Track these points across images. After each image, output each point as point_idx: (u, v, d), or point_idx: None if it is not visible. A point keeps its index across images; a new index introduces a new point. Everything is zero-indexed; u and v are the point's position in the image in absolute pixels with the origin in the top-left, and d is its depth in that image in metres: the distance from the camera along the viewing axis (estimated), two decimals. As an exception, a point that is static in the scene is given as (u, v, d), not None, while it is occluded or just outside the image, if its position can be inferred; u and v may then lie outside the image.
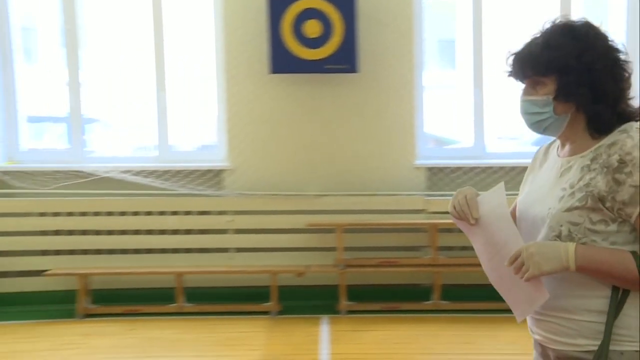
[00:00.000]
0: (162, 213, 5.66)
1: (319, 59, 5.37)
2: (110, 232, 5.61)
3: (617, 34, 2.78)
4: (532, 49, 1.78)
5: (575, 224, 1.71)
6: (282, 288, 5.38)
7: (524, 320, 1.85)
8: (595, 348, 1.70)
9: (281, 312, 5.34)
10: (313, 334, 4.87)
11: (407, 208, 5.53)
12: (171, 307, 5.39)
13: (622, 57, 1.78)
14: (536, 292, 1.74)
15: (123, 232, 5.61)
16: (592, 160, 1.73)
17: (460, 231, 1.96)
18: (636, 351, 1.69)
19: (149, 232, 5.65)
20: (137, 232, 5.63)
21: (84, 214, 5.58)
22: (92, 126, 6.12)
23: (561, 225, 1.73)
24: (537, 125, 1.81)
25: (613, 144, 1.71)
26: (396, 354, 4.50)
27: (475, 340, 4.67)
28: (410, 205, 5.54)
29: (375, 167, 5.55)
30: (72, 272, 5.41)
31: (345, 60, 5.36)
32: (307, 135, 5.65)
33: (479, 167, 5.55)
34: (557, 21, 1.80)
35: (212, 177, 5.68)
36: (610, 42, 1.79)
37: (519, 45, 1.82)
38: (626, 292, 1.70)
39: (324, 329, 4.99)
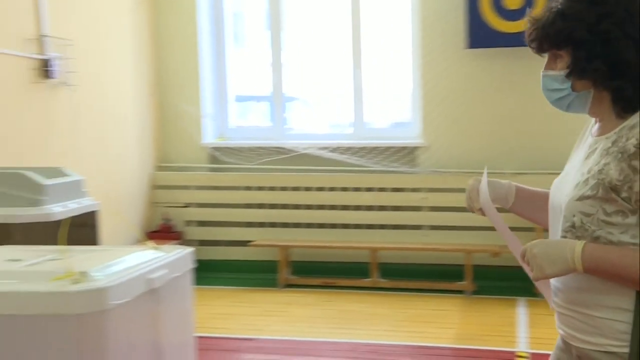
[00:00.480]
0: (357, 189, 5.79)
1: (519, 32, 5.14)
2: (308, 207, 5.85)
3: None
4: (547, 19, 1.56)
5: (588, 215, 1.50)
6: (476, 267, 5.29)
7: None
8: (618, 350, 1.49)
9: (475, 292, 5.26)
10: (509, 316, 4.74)
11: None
12: (366, 282, 5.51)
13: None
14: (546, 289, 1.61)
15: (320, 207, 5.82)
16: (614, 143, 1.50)
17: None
18: None
19: (345, 207, 5.81)
20: (333, 207, 5.82)
21: (284, 188, 5.86)
22: (292, 104, 6.39)
23: (574, 216, 1.53)
24: (558, 102, 1.60)
25: (635, 125, 1.48)
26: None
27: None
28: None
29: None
30: (274, 243, 5.72)
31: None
32: (503, 112, 5.47)
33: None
34: None
35: (406, 154, 5.70)
36: (638, 5, 1.51)
37: (538, 16, 1.59)
38: None
39: (521, 312, 4.83)
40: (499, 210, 1.72)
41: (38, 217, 2.87)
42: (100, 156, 5.28)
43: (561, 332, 1.64)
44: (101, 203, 3.34)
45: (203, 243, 5.87)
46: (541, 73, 1.61)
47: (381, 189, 5.75)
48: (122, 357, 1.65)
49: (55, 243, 2.77)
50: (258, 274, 5.77)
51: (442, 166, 5.62)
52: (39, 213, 2.88)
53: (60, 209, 2.94)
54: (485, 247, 5.27)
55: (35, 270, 1.68)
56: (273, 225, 5.92)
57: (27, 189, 2.91)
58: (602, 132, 1.57)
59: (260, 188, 5.92)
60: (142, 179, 5.94)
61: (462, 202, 1.81)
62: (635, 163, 1.44)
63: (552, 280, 1.61)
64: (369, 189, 5.76)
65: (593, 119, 1.63)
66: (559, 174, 1.69)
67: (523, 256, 1.55)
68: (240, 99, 6.44)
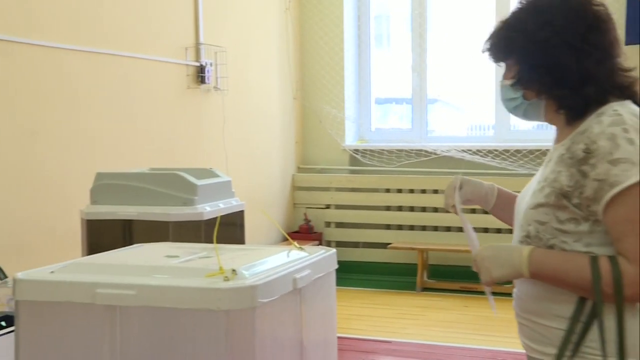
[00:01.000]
0: (499, 193, 5.63)
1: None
2: (446, 210, 5.75)
3: None
4: (496, 29, 1.55)
5: (542, 223, 1.46)
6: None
7: None
8: None
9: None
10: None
11: None
12: (506, 288, 5.33)
13: (604, 26, 1.45)
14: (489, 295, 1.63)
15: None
16: (567, 149, 1.45)
17: None
18: None
19: (486, 211, 5.66)
20: (473, 210, 5.67)
21: (423, 191, 5.82)
22: (433, 106, 6.34)
23: (529, 225, 1.49)
24: (515, 111, 1.58)
25: (584, 131, 1.42)
26: None
27: None
28: None
29: None
30: (412, 246, 5.70)
31: None
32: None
33: None
34: None
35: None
36: (583, 12, 1.45)
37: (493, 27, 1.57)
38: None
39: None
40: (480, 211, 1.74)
41: (191, 216, 3.02)
42: (246, 158, 5.50)
43: (522, 343, 1.59)
44: (246, 203, 3.48)
45: (341, 244, 5.95)
46: (499, 83, 1.60)
47: (524, 193, 5.57)
48: (268, 354, 1.71)
49: (202, 241, 2.93)
50: (395, 277, 5.76)
51: None
52: (192, 212, 3.04)
53: (210, 209, 3.09)
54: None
55: (190, 267, 1.78)
56: (411, 227, 5.90)
57: (181, 189, 3.09)
58: (558, 139, 1.53)
59: (399, 190, 5.91)
60: (285, 180, 6.12)
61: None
62: (585, 168, 1.39)
63: (515, 289, 1.58)
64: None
65: None
66: None
67: (475, 260, 1.55)
68: (380, 101, 6.47)
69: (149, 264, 1.81)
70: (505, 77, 1.58)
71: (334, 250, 2.07)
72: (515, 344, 4.19)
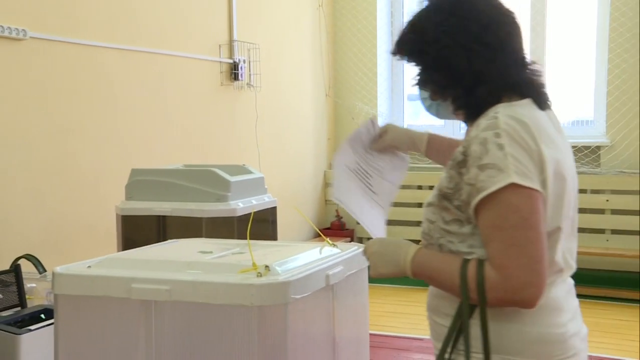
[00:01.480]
0: (533, 190, 5.58)
1: None
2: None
3: None
4: (402, 32, 1.54)
5: (432, 222, 1.48)
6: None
7: None
8: (455, 356, 1.44)
9: (663, 304, 4.89)
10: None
11: None
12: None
13: (497, 25, 1.44)
14: None
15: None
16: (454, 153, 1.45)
17: None
18: None
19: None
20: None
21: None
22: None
23: (424, 222, 1.51)
24: (429, 110, 1.60)
25: (468, 133, 1.44)
26: None
27: None
28: None
29: None
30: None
31: None
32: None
33: None
34: None
35: (588, 153, 5.41)
36: (475, 12, 1.44)
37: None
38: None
39: None
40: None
41: (224, 212, 3.05)
42: (279, 154, 5.52)
43: None
44: (278, 199, 3.50)
45: (374, 240, 5.93)
46: None
47: (559, 191, 5.50)
48: (300, 349, 1.73)
49: (234, 237, 2.95)
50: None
51: (628, 167, 5.27)
52: (225, 208, 3.06)
53: (243, 205, 3.11)
54: (676, 256, 4.88)
55: (224, 263, 1.80)
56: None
57: (215, 185, 3.12)
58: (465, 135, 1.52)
59: (431, 187, 5.86)
60: (317, 176, 6.13)
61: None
62: (463, 171, 1.39)
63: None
64: (546, 190, 5.54)
65: None
66: None
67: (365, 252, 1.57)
68: (413, 97, 6.44)
69: (183, 260, 1.84)
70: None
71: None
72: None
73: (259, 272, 1.66)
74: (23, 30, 3.39)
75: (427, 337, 1.61)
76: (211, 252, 1.92)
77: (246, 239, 1.86)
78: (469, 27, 1.43)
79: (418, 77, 1.53)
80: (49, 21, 3.57)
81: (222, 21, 4.88)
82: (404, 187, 5.57)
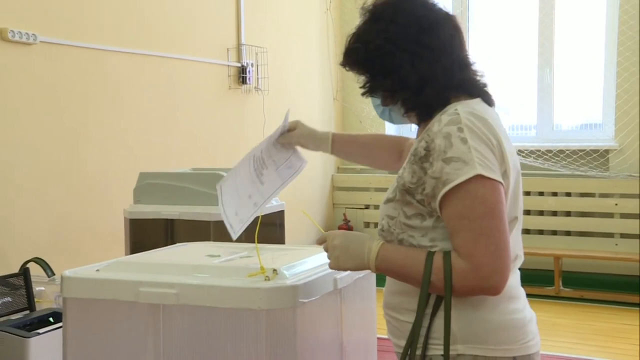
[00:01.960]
0: (541, 193, 5.57)
1: None
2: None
3: None
4: (347, 43, 1.57)
5: (392, 218, 1.50)
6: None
7: None
8: (419, 352, 1.47)
9: (673, 308, 4.86)
10: None
11: None
12: (548, 290, 5.29)
13: (437, 26, 1.49)
14: None
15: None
16: (415, 147, 1.49)
17: None
18: (441, 355, 1.44)
19: (527, 212, 5.61)
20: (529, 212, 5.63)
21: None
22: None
23: (382, 219, 1.53)
24: (383, 116, 1.64)
25: (428, 129, 1.47)
26: None
27: None
28: None
29: None
30: (452, 246, 5.64)
31: None
32: None
33: None
34: (380, 0, 1.54)
35: (596, 157, 5.39)
36: (414, 16, 1.49)
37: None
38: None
39: None
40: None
41: (232, 216, 3.05)
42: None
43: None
44: (286, 203, 3.50)
45: (381, 244, 5.93)
46: None
47: (567, 194, 5.49)
48: (308, 353, 1.72)
49: (242, 240, 2.95)
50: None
51: (637, 171, 5.25)
52: (233, 212, 3.06)
53: (251, 208, 3.11)
54: (685, 260, 4.85)
55: (232, 266, 1.80)
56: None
57: (222, 189, 3.12)
58: (418, 135, 1.58)
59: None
60: (325, 180, 6.13)
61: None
62: (425, 165, 1.43)
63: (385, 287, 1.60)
64: (554, 193, 5.52)
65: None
66: None
67: (322, 241, 1.57)
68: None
69: (191, 263, 1.84)
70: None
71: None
72: (557, 348, 4.16)
73: (267, 276, 1.66)
74: (33, 34, 3.41)
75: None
76: (219, 256, 1.93)
77: (254, 242, 1.86)
78: (410, 32, 1.48)
79: (367, 85, 1.56)
80: (58, 26, 3.59)
81: (230, 25, 4.90)
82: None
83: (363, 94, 1.59)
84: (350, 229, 6.03)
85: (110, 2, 3.91)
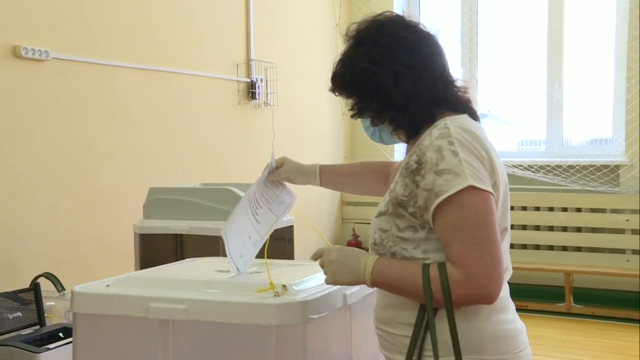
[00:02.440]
0: (550, 209, 5.55)
1: None
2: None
3: None
4: (334, 68, 1.62)
5: (384, 231, 1.53)
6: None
7: None
8: None
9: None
10: None
11: None
12: (559, 307, 5.25)
13: (418, 45, 1.54)
14: None
15: (510, 227, 5.63)
16: (406, 161, 1.53)
17: None
18: None
19: (537, 227, 5.59)
20: (524, 227, 5.61)
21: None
22: (483, 121, 6.26)
23: (375, 232, 1.56)
24: (374, 138, 1.68)
25: (419, 143, 1.51)
26: None
27: None
28: None
29: None
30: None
31: None
32: None
33: None
34: (363, 25, 1.59)
35: (606, 172, 5.37)
36: (394, 37, 1.53)
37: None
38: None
39: None
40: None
41: (241, 231, 3.05)
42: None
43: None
44: (295, 218, 3.49)
45: (390, 259, 5.91)
46: None
47: (578, 209, 5.46)
48: (318, 369, 1.72)
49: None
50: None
51: (648, 186, 5.23)
52: (242, 227, 3.06)
53: (260, 224, 3.11)
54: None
55: (241, 282, 1.80)
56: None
57: (232, 204, 3.11)
58: (407, 151, 1.62)
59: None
60: (334, 195, 6.13)
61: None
62: (417, 178, 1.46)
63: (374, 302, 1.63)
64: (564, 209, 5.50)
65: None
66: None
67: (317, 257, 1.60)
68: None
69: (200, 279, 1.84)
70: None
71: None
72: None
73: (276, 292, 1.65)
74: (46, 51, 3.44)
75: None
76: (228, 271, 1.92)
77: (263, 258, 1.87)
78: (393, 53, 1.53)
79: (356, 107, 1.60)
80: (70, 42, 3.62)
81: (239, 40, 4.93)
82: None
83: (352, 116, 1.64)
84: (359, 244, 6.02)
85: (121, 19, 3.95)
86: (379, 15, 1.60)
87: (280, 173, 1.95)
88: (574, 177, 5.44)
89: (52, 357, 2.53)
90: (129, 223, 3.48)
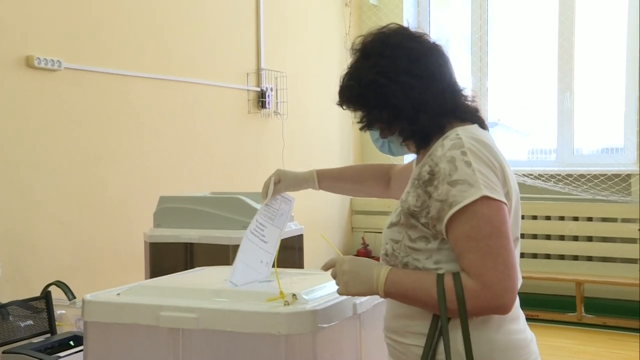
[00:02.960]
0: (561, 218, 5.52)
1: None
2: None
3: None
4: (341, 82, 1.62)
5: (396, 242, 1.53)
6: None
7: None
8: None
9: (698, 335, 4.76)
10: None
11: None
12: (570, 316, 5.22)
13: (425, 56, 1.54)
14: None
15: (521, 236, 5.61)
16: (418, 172, 1.53)
17: None
18: None
19: (548, 237, 5.56)
20: (535, 236, 5.59)
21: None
22: (493, 130, 6.26)
23: (387, 243, 1.56)
24: (383, 149, 1.68)
25: (430, 154, 1.51)
26: None
27: None
28: None
29: None
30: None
31: None
32: None
33: None
34: (368, 38, 1.60)
35: (618, 182, 5.34)
36: (401, 48, 1.54)
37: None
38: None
39: None
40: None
41: (251, 240, 3.05)
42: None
43: None
44: (304, 227, 3.50)
45: (400, 268, 5.89)
46: None
47: (589, 219, 5.44)
48: (327, 379, 1.72)
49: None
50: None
51: (659, 196, 5.20)
52: (252, 236, 3.06)
53: (270, 232, 3.11)
54: None
55: (251, 291, 1.80)
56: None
57: (242, 212, 3.13)
58: (417, 162, 1.63)
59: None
60: (343, 204, 6.13)
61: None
62: (430, 189, 1.46)
63: (384, 311, 1.63)
64: (575, 218, 5.47)
65: None
66: None
67: (328, 267, 1.60)
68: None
69: (210, 288, 1.84)
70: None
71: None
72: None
73: (286, 301, 1.66)
74: (58, 61, 3.47)
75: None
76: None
77: (273, 267, 1.87)
78: (399, 64, 1.53)
79: (364, 120, 1.60)
80: (82, 52, 3.65)
81: (249, 50, 4.95)
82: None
83: (361, 129, 1.64)
84: (369, 253, 6.01)
85: (132, 29, 3.98)
86: (384, 27, 1.61)
87: (280, 189, 1.96)
88: (585, 187, 5.42)
89: (63, 365, 2.54)
90: (139, 232, 3.50)
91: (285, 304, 1.65)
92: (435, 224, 1.46)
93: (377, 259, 1.62)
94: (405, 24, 1.62)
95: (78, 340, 2.71)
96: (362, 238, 6.13)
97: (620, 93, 5.49)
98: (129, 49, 3.95)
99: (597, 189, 5.38)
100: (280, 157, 5.17)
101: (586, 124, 5.75)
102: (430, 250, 1.49)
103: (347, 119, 6.08)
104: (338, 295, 1.77)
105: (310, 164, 5.60)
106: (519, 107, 6.09)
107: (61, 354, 2.59)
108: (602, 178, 5.38)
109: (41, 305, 2.90)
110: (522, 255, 5.46)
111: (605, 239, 5.38)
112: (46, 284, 3.17)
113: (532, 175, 5.57)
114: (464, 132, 1.49)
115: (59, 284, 3.16)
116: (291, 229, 3.33)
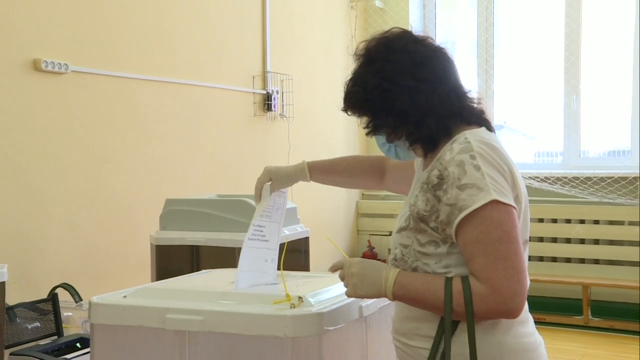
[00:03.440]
0: (568, 221, 5.50)
1: None
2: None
3: None
4: (346, 88, 1.61)
5: (406, 246, 1.53)
6: None
7: None
8: None
9: None
10: None
11: None
12: (577, 320, 5.20)
13: (430, 59, 1.53)
14: None
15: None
16: (427, 176, 1.52)
17: None
18: None
19: (554, 240, 5.54)
20: (541, 239, 5.58)
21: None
22: (499, 133, 6.24)
23: (396, 248, 1.56)
24: (389, 154, 1.66)
25: (439, 158, 1.51)
26: None
27: None
28: None
29: None
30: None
31: None
32: None
33: None
34: (372, 43, 1.59)
35: (625, 184, 5.33)
36: (405, 52, 1.53)
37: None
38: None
39: None
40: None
41: (257, 243, 3.05)
42: (311, 184, 5.51)
43: None
44: (310, 230, 3.50)
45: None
46: None
47: (595, 222, 5.42)
48: (333, 381, 1.71)
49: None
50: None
51: (668, 198, 5.18)
52: (258, 238, 3.07)
53: (276, 235, 3.11)
54: None
55: (257, 293, 1.80)
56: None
57: (248, 215, 3.12)
58: (424, 166, 1.61)
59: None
60: (349, 207, 6.13)
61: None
62: (439, 193, 1.46)
63: (393, 314, 1.63)
64: (582, 221, 5.45)
65: None
66: None
67: (336, 269, 1.60)
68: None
69: (216, 290, 1.84)
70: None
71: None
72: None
73: (292, 304, 1.66)
74: (65, 64, 3.49)
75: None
76: (245, 283, 1.93)
77: (279, 269, 1.87)
78: (404, 68, 1.53)
79: (371, 125, 1.59)
80: (89, 55, 3.66)
81: (255, 53, 4.96)
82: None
83: (367, 134, 1.62)
84: (375, 255, 6.01)
85: (139, 32, 3.99)
86: (387, 32, 1.60)
87: (273, 189, 1.96)
88: (592, 189, 5.40)
89: (70, 367, 2.55)
90: (145, 234, 3.50)
91: (291, 307, 1.65)
92: (444, 228, 1.46)
93: (383, 262, 1.61)
94: (409, 28, 1.62)
95: (85, 342, 2.72)
96: (368, 241, 6.13)
97: (627, 95, 5.47)
98: (135, 52, 3.96)
99: (603, 192, 5.36)
100: (286, 159, 5.17)
101: (593, 126, 5.74)
102: (440, 255, 1.49)
103: (352, 122, 6.08)
104: (344, 297, 1.77)
105: (316, 166, 5.60)
106: (525, 110, 6.08)
107: (68, 356, 2.60)
108: (608, 181, 5.36)
109: (48, 308, 2.91)
110: (529, 258, 5.45)
111: (612, 242, 5.36)
112: (53, 286, 3.18)
113: (538, 178, 5.55)
114: (473, 136, 1.49)
115: (66, 286, 3.17)
116: (297, 231, 3.33)
